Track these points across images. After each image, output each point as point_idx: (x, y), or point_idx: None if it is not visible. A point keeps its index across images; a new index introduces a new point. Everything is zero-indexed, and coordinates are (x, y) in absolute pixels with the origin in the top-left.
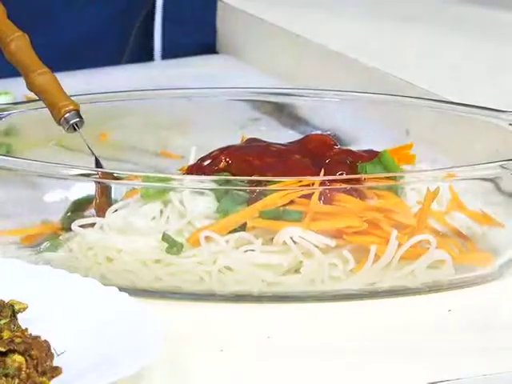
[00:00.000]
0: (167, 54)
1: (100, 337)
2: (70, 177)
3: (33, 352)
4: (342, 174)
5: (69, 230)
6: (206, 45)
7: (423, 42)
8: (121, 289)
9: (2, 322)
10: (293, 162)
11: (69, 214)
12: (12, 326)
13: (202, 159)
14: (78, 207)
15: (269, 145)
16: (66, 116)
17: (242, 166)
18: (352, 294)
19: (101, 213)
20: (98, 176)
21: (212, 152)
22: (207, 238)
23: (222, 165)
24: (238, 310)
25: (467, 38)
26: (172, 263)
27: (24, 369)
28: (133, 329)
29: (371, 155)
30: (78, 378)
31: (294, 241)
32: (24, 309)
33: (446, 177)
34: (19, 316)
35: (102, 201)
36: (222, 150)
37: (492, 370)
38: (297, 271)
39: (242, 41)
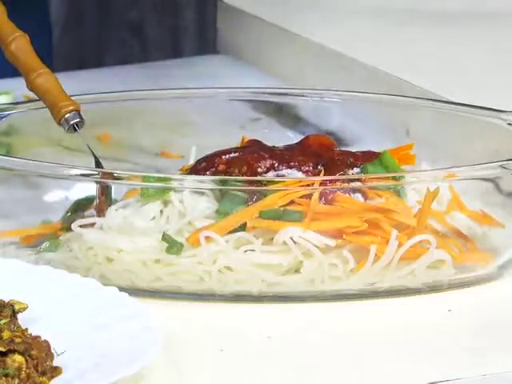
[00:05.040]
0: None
1: (100, 337)
2: (70, 177)
3: (33, 352)
4: (342, 175)
5: (69, 229)
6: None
7: (423, 42)
8: (121, 289)
9: (2, 321)
10: (294, 164)
11: (69, 213)
12: (12, 326)
13: (200, 161)
14: (79, 207)
15: (268, 147)
16: (66, 116)
17: (243, 169)
18: (352, 293)
19: (101, 213)
20: (98, 176)
21: (210, 154)
22: (207, 238)
23: (221, 167)
24: (238, 309)
25: (467, 37)
26: (172, 263)
27: (24, 369)
28: (133, 329)
29: (370, 156)
30: (78, 377)
31: (294, 241)
32: (24, 309)
33: (446, 177)
34: (19, 316)
35: (102, 201)
36: (221, 153)
37: (492, 370)
38: (297, 271)
39: (242, 41)
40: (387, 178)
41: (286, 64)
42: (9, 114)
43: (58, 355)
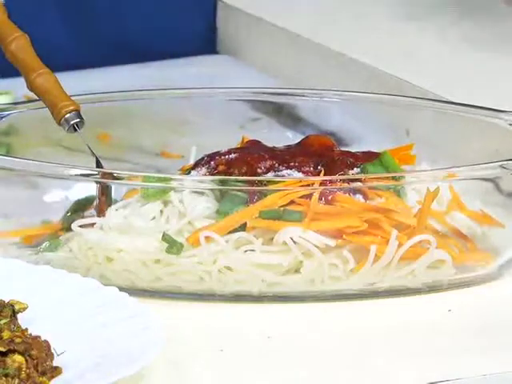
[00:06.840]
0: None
1: (100, 337)
2: (70, 177)
3: (33, 352)
4: (342, 175)
5: (69, 229)
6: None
7: (423, 42)
8: (121, 289)
9: (2, 321)
10: (294, 165)
11: (69, 213)
12: (12, 326)
13: (200, 162)
14: (79, 207)
15: (268, 147)
16: (66, 116)
17: (243, 169)
18: (352, 293)
19: (101, 213)
20: (98, 176)
21: (210, 154)
22: (207, 238)
23: (221, 168)
24: (237, 309)
25: (467, 37)
26: (172, 263)
27: (24, 369)
28: (133, 329)
29: (370, 156)
30: (78, 378)
31: (294, 241)
32: (24, 309)
33: (446, 177)
34: (19, 316)
35: (102, 201)
36: (221, 153)
37: (492, 369)
38: (297, 271)
39: (242, 41)
40: (387, 178)
41: (285, 64)
42: (9, 114)
43: (58, 355)
